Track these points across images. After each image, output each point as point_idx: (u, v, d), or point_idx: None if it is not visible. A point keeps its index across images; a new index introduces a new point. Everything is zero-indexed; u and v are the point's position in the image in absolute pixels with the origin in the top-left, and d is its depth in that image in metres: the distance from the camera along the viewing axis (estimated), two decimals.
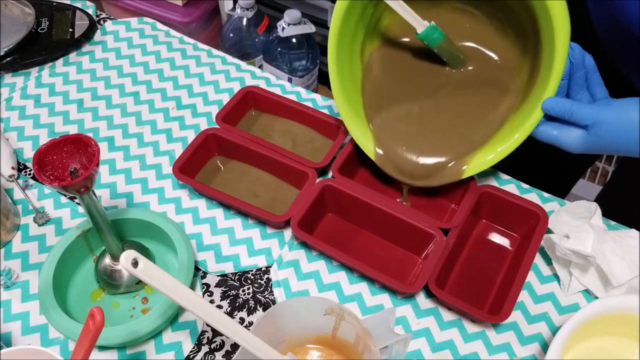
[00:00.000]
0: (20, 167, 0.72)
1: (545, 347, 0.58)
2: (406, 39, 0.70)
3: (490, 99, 0.66)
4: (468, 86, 0.67)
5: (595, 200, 0.67)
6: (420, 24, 0.62)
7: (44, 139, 0.74)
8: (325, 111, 0.76)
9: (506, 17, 0.63)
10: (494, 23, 0.65)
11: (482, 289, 0.62)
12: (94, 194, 0.52)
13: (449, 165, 0.65)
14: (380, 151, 0.66)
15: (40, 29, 0.84)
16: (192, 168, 0.69)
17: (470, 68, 0.67)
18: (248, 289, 0.62)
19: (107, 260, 0.59)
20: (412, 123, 0.67)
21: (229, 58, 0.85)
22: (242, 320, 0.60)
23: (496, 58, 0.66)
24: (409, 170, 0.65)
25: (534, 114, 0.59)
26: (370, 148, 0.66)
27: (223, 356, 0.57)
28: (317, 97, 0.80)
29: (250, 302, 0.61)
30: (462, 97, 0.67)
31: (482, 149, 0.63)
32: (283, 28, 1.37)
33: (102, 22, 0.90)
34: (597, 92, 0.59)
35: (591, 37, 0.67)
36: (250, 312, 0.61)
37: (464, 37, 0.67)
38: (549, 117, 0.59)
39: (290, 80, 1.44)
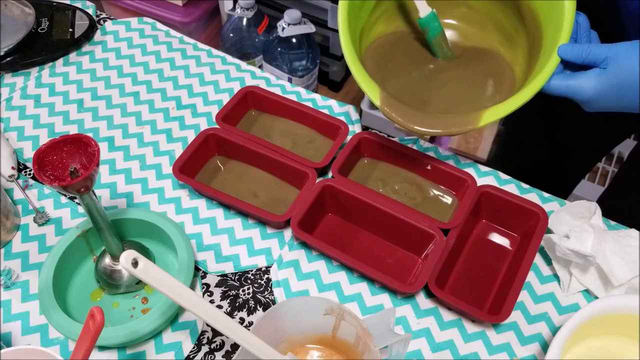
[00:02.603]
0: (20, 167, 0.72)
1: (545, 347, 0.58)
2: (404, 39, 0.73)
3: (498, 72, 0.69)
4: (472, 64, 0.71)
5: (596, 201, 0.67)
6: (424, 8, 0.66)
7: (44, 139, 0.74)
8: (325, 111, 0.76)
9: None
10: None
11: (482, 289, 0.62)
12: (94, 194, 0.52)
13: (463, 114, 0.63)
14: (385, 96, 0.63)
15: (40, 29, 0.84)
16: (192, 168, 0.69)
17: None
18: (248, 289, 0.62)
19: (107, 260, 0.59)
20: (419, 81, 0.69)
21: (229, 58, 0.85)
22: (242, 320, 0.60)
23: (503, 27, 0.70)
24: (418, 115, 0.63)
25: (549, 62, 0.59)
26: (374, 94, 0.63)
27: (223, 356, 0.57)
28: (317, 97, 0.80)
29: (250, 302, 0.61)
30: (472, 66, 0.71)
31: (495, 105, 0.62)
32: (283, 28, 1.37)
33: (102, 22, 0.90)
34: None
35: (599, 26, 0.67)
36: (250, 312, 0.61)
37: None
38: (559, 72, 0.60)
39: (290, 80, 1.44)
